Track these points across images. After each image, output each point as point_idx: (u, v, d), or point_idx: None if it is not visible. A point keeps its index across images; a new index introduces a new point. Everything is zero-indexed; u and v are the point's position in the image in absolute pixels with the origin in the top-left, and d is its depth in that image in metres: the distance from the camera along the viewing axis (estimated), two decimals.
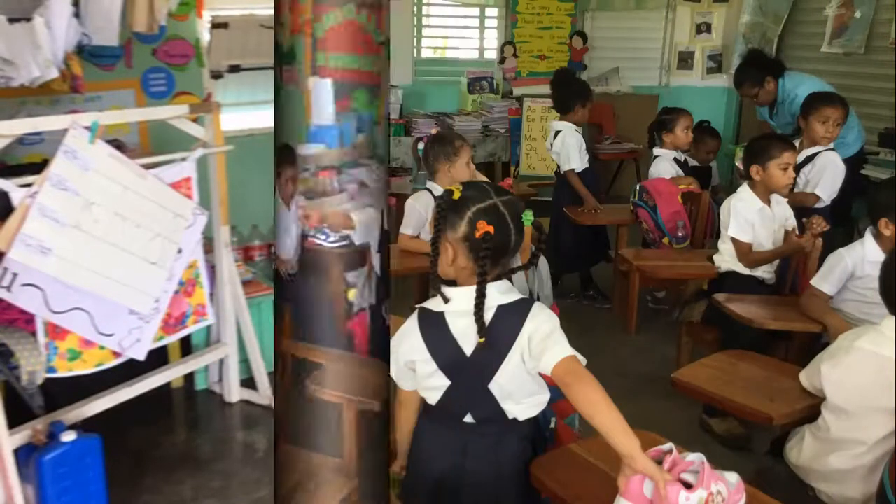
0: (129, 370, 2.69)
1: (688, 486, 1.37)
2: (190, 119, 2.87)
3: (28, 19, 2.64)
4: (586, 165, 4.29)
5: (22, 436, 2.29)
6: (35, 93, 3.00)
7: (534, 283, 2.32)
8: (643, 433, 1.52)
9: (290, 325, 1.12)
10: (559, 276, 4.47)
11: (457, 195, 1.60)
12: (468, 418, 1.65)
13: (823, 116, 3.51)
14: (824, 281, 2.65)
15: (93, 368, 2.55)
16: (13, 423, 2.27)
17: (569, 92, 4.32)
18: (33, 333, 2.38)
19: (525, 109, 6.24)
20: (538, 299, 2.29)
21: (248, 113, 4.53)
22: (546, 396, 1.68)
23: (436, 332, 1.64)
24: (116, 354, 2.60)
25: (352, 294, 1.10)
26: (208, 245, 2.99)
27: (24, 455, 2.27)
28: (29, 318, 2.38)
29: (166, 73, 3.74)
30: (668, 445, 1.46)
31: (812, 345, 2.69)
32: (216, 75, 4.03)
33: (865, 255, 2.59)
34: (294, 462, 1.14)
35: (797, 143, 3.36)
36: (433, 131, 3.95)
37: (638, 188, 3.97)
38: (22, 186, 2.24)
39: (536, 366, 1.58)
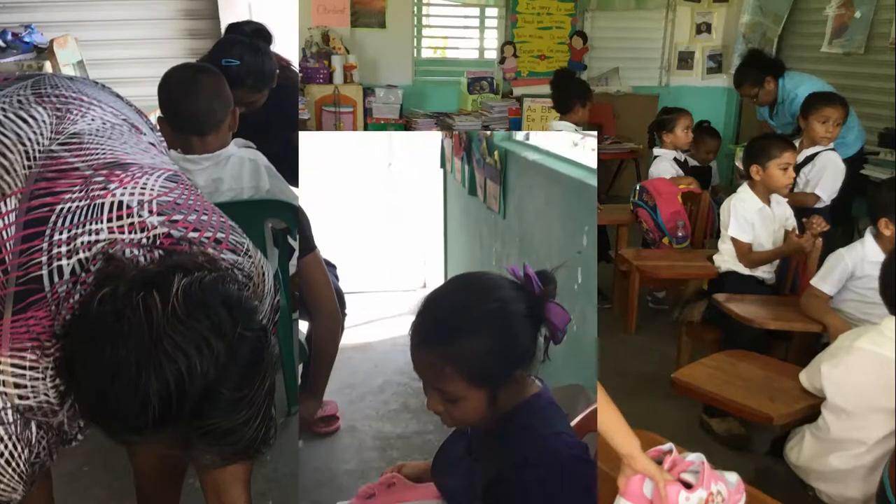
0: None
1: (688, 486, 1.36)
2: None
3: None
4: None
5: None
6: None
7: None
8: (643, 433, 1.51)
9: None
10: None
11: None
12: None
13: (823, 116, 3.51)
14: (824, 281, 2.65)
15: None
16: None
17: (569, 92, 4.31)
18: None
19: (525, 109, 6.23)
20: None
21: None
22: None
23: None
24: None
25: None
26: None
27: None
28: None
29: None
30: (668, 445, 1.45)
31: (812, 345, 2.69)
32: None
33: (865, 255, 2.59)
34: None
35: (797, 143, 3.36)
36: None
37: (638, 188, 3.97)
38: None
39: None
